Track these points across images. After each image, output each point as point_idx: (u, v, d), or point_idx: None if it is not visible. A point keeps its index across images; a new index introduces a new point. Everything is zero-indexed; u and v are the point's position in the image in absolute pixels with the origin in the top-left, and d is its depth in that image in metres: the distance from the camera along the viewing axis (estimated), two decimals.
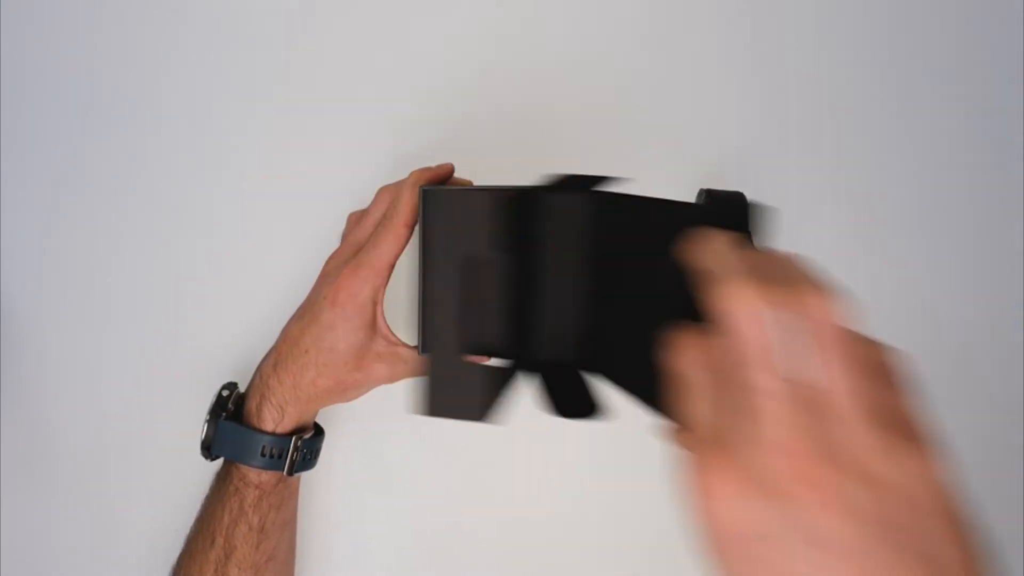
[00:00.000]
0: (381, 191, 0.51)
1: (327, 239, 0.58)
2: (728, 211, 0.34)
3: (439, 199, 0.42)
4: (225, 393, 0.52)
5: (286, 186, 0.59)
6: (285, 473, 0.50)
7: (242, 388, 0.53)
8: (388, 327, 0.48)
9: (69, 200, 0.59)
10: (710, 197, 0.54)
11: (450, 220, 0.42)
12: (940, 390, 0.59)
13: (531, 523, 0.59)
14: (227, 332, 0.59)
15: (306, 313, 0.49)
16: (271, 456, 0.49)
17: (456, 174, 0.52)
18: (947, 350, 0.59)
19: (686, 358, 0.27)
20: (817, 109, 0.60)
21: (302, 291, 0.58)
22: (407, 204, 0.46)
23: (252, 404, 0.50)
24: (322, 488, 0.59)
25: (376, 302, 0.47)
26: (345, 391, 0.49)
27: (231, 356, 0.59)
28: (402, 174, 0.56)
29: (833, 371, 0.24)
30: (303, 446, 0.50)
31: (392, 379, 0.49)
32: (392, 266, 0.47)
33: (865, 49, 0.60)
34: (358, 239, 0.49)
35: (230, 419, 0.50)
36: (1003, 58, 0.59)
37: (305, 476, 0.55)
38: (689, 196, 0.57)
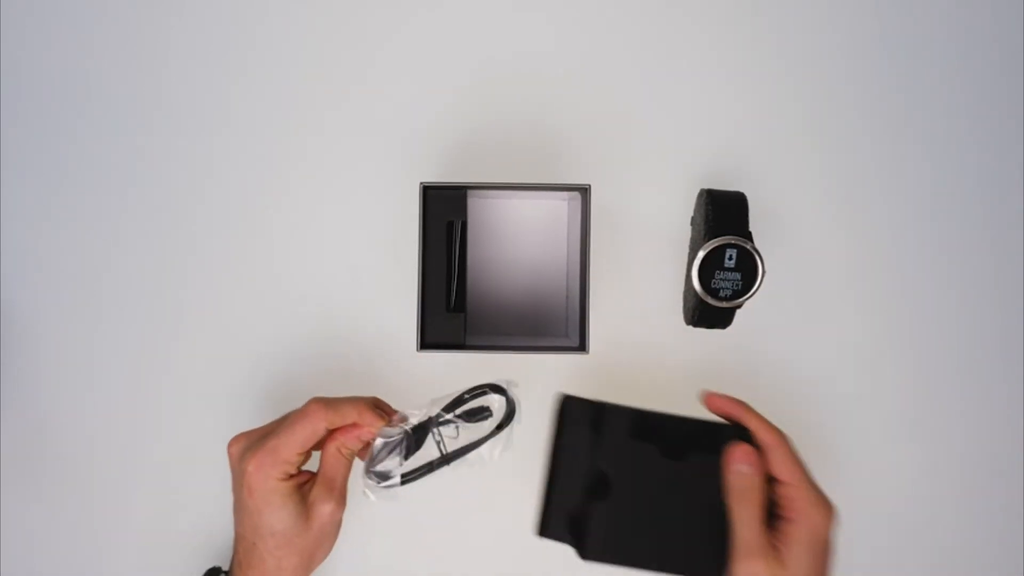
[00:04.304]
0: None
1: (326, 238, 0.59)
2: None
3: (573, 406, 0.49)
4: None
5: (286, 186, 0.60)
6: None
7: (225, 565, 0.52)
8: (318, 485, 0.49)
9: (69, 200, 0.59)
10: (710, 197, 0.55)
11: (582, 427, 0.49)
12: (940, 390, 0.59)
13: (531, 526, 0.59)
14: (227, 331, 0.59)
15: (237, 510, 0.49)
16: None
17: (459, 173, 0.52)
18: (946, 350, 0.60)
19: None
20: (817, 109, 0.60)
21: (302, 289, 0.58)
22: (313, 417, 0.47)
23: None
24: None
25: (288, 479, 0.47)
26: (314, 557, 0.50)
27: (231, 355, 0.59)
28: (404, 174, 0.57)
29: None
30: None
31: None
32: (299, 453, 0.48)
33: (866, 48, 0.60)
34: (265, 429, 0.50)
35: None
36: (1005, 57, 0.60)
37: None
38: (689, 196, 0.57)
